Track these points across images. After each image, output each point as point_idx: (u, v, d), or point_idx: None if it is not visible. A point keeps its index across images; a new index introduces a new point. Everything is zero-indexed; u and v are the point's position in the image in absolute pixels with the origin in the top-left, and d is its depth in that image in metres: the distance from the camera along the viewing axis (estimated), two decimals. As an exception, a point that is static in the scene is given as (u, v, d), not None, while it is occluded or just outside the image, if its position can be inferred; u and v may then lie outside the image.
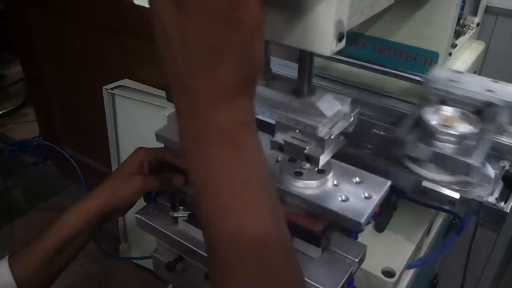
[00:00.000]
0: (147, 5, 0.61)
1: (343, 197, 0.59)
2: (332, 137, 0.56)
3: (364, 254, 0.74)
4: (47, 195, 2.46)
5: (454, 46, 0.94)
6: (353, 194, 0.60)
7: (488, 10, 1.11)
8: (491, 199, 0.68)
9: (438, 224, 1.08)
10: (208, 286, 0.74)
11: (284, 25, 0.49)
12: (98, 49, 1.82)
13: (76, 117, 2.17)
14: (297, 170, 0.63)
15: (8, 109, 3.01)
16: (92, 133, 2.08)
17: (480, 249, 1.50)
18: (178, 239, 0.74)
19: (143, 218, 0.79)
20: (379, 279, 0.88)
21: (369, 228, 0.95)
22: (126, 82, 1.80)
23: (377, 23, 0.94)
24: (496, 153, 0.78)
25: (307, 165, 0.62)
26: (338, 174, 0.63)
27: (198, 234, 0.75)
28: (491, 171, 0.75)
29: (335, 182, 0.62)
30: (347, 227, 0.61)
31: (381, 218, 0.94)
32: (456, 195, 0.70)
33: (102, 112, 1.83)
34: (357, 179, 0.63)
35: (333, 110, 0.56)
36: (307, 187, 0.61)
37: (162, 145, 0.85)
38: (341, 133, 0.59)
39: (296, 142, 0.58)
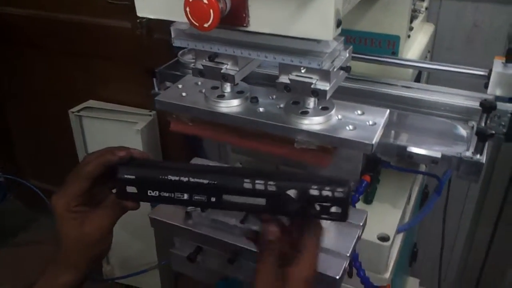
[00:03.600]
0: (152, 16, 0.67)
1: (351, 127, 0.67)
2: (335, 69, 0.63)
3: (366, 219, 0.82)
4: (16, 230, 2.40)
5: (411, 29, 1.05)
6: (358, 123, 0.67)
7: (433, -5, 1.24)
8: (468, 154, 0.78)
9: (416, 192, 1.19)
10: (231, 270, 0.80)
11: (289, 18, 0.56)
12: (59, 74, 1.83)
13: (41, 145, 2.14)
14: (303, 110, 0.69)
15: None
16: (59, 160, 2.05)
17: (452, 217, 1.63)
18: (197, 230, 0.79)
19: (157, 218, 0.83)
20: (376, 245, 0.97)
21: (359, 202, 1.04)
22: (91, 103, 1.82)
23: (340, 16, 1.03)
24: (463, 116, 0.89)
25: (311, 105, 0.69)
26: (340, 109, 0.70)
27: (214, 223, 0.80)
28: (462, 131, 0.85)
29: (339, 117, 0.69)
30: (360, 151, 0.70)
31: (369, 191, 1.03)
32: (438, 154, 0.80)
33: (69, 137, 1.82)
34: (359, 111, 0.70)
35: (331, 47, 0.62)
36: (315, 123, 0.67)
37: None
38: (342, 68, 0.65)
39: (302, 79, 0.64)
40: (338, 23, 0.56)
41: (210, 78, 0.69)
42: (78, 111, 1.78)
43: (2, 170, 2.38)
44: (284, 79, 0.65)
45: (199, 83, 0.79)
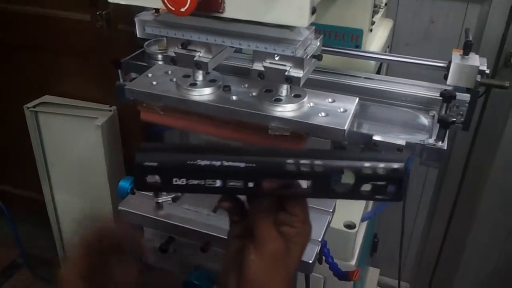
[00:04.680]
0: (122, 2, 0.66)
1: (323, 114, 0.68)
2: (308, 57, 0.64)
3: (335, 206, 0.85)
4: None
5: (373, 23, 1.08)
6: (330, 110, 0.70)
7: (392, -9, 1.29)
8: (431, 141, 0.82)
9: (378, 182, 1.22)
10: (204, 259, 0.80)
11: (264, 5, 0.57)
12: (13, 68, 1.76)
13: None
14: (276, 97, 0.70)
15: None
16: (14, 158, 1.98)
17: (410, 207, 1.69)
18: (168, 221, 0.79)
19: (127, 209, 0.82)
20: (343, 232, 1.00)
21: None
22: (47, 98, 1.76)
23: (305, 9, 1.05)
24: (423, 107, 0.93)
25: (284, 92, 0.70)
26: (312, 97, 0.72)
27: (185, 213, 0.80)
28: (424, 120, 0.89)
29: (311, 104, 0.71)
30: (332, 138, 0.68)
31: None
32: (403, 142, 0.83)
33: (24, 134, 1.76)
34: (330, 99, 0.72)
35: (304, 35, 0.63)
36: (288, 110, 0.69)
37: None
38: (314, 56, 0.67)
39: (276, 66, 0.65)
40: (313, 10, 0.57)
41: (183, 66, 0.69)
42: (34, 106, 1.71)
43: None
44: (258, 66, 0.66)
45: (170, 72, 0.78)
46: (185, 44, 0.67)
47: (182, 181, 0.51)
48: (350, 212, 1.04)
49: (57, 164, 1.84)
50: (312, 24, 1.05)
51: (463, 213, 1.66)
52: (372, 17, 1.11)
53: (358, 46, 1.04)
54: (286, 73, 0.64)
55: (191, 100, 0.71)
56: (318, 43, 0.68)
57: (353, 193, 0.51)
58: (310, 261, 0.72)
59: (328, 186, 0.51)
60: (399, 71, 1.21)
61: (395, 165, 0.50)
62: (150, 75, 0.78)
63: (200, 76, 0.73)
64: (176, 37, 0.67)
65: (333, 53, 0.98)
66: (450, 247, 1.77)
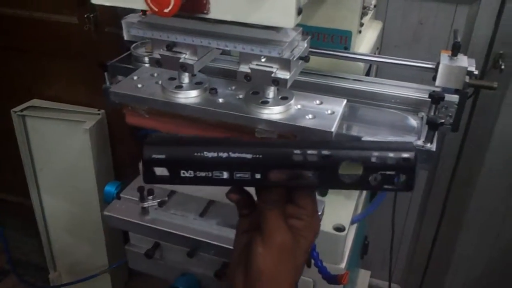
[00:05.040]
0: (107, 3, 0.65)
1: (310, 116, 0.68)
2: (295, 59, 0.64)
3: (324, 209, 0.84)
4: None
5: (361, 25, 1.08)
6: (317, 112, 0.69)
7: (381, -8, 1.29)
8: (420, 142, 0.81)
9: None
10: (191, 264, 0.78)
11: (250, 5, 0.56)
12: (0, 71, 1.73)
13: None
14: (263, 100, 0.69)
15: None
16: (1, 163, 1.96)
17: (399, 209, 1.69)
18: (154, 226, 0.78)
19: (113, 215, 0.81)
20: (332, 235, 0.99)
21: (314, 195, 1.05)
22: (35, 102, 1.74)
23: (293, 11, 1.04)
24: (412, 108, 0.93)
25: (271, 95, 0.69)
26: (299, 99, 0.71)
27: (171, 218, 0.79)
28: (413, 122, 0.89)
29: (298, 106, 0.70)
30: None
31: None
32: (391, 144, 0.82)
33: (11, 138, 1.74)
34: (317, 101, 0.71)
35: (290, 36, 0.63)
36: (275, 112, 0.68)
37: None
38: (301, 58, 0.66)
39: (262, 67, 0.64)
40: (299, 11, 0.57)
41: (168, 68, 0.68)
42: (21, 110, 1.69)
43: None
44: (244, 68, 0.65)
45: (155, 74, 0.77)
46: (170, 46, 0.66)
47: (190, 173, 0.51)
48: (339, 214, 1.03)
49: (45, 168, 1.83)
50: (300, 25, 1.04)
51: (452, 215, 1.66)
52: (361, 19, 1.11)
53: (347, 48, 1.04)
54: (272, 75, 0.63)
55: (176, 103, 0.70)
56: (306, 45, 0.67)
57: (361, 184, 0.51)
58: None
59: (336, 177, 0.50)
60: (389, 73, 1.21)
61: (406, 154, 0.49)
62: (135, 77, 0.77)
63: (186, 78, 0.72)
64: (161, 39, 0.66)
65: (322, 54, 0.98)
66: (440, 249, 1.78)
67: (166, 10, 0.54)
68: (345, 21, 1.01)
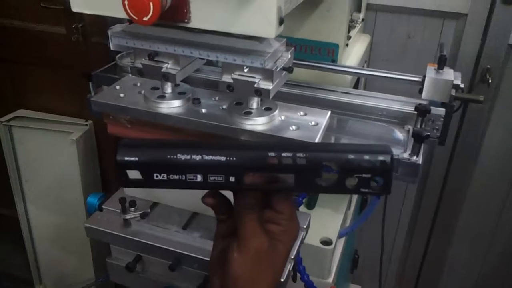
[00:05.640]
0: (87, 11, 0.64)
1: (294, 127, 0.67)
2: (278, 69, 0.63)
3: (309, 222, 0.83)
4: None
5: (349, 38, 1.08)
6: (301, 124, 0.68)
7: (369, 7, 1.29)
8: (405, 155, 0.81)
9: (356, 198, 1.21)
10: (173, 277, 0.77)
11: (231, 15, 0.56)
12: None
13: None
14: (246, 110, 0.68)
15: None
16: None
17: (390, 224, 1.68)
18: (136, 238, 0.76)
19: (93, 227, 0.79)
20: (319, 249, 0.97)
21: (301, 207, 1.04)
22: (22, 112, 1.72)
23: (281, 23, 1.04)
24: (399, 121, 0.93)
25: (254, 105, 0.68)
26: (283, 110, 0.70)
27: (153, 231, 0.77)
28: (399, 135, 0.88)
29: (282, 117, 0.69)
30: None
31: (311, 196, 1.03)
32: (377, 157, 0.81)
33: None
34: (301, 113, 0.70)
35: (273, 47, 0.62)
36: (258, 123, 0.67)
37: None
38: (285, 69, 0.66)
39: (245, 78, 0.63)
40: (281, 21, 0.56)
41: (150, 77, 0.67)
42: (8, 120, 1.68)
43: None
44: (227, 78, 0.64)
45: (138, 84, 0.76)
46: (152, 55, 0.65)
47: (163, 176, 0.50)
48: (326, 228, 1.02)
49: (31, 180, 1.80)
50: (287, 38, 1.05)
51: (443, 228, 1.66)
52: (348, 32, 1.11)
53: (334, 61, 1.04)
54: (255, 85, 0.63)
55: (158, 113, 0.69)
56: (289, 56, 0.67)
57: (338, 187, 0.50)
58: (282, 280, 0.70)
59: (312, 180, 0.49)
60: (377, 86, 1.21)
61: (382, 157, 0.48)
62: (118, 87, 0.76)
63: (169, 88, 0.71)
64: (143, 48, 0.65)
65: (308, 66, 0.98)
66: (431, 262, 1.76)
67: (145, 19, 0.53)
68: (332, 33, 1.02)
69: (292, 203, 0.54)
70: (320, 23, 1.01)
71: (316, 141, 0.64)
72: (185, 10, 0.56)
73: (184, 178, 0.50)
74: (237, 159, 0.49)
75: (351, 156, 0.48)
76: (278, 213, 0.52)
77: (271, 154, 0.49)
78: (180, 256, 0.74)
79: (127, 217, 0.78)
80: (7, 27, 1.51)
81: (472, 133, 1.41)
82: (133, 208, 0.79)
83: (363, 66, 1.24)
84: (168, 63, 0.66)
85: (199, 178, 0.50)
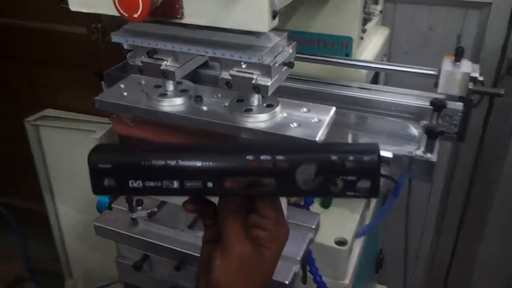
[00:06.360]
0: (84, 10, 0.64)
1: (295, 124, 0.64)
2: (277, 65, 0.61)
3: (319, 222, 0.80)
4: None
5: (364, 31, 1.04)
6: (303, 121, 0.65)
7: (388, -2, 1.25)
8: (419, 152, 0.77)
9: (376, 196, 1.18)
10: (179, 277, 0.76)
11: (223, 10, 0.54)
12: (11, 82, 1.77)
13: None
14: (247, 107, 0.66)
15: None
16: (16, 172, 1.99)
17: (415, 222, 1.63)
18: (142, 237, 0.76)
19: (102, 225, 0.80)
20: (333, 249, 0.95)
21: (316, 206, 1.02)
22: (49, 112, 1.76)
23: (293, 18, 1.02)
24: (415, 117, 0.89)
25: (255, 102, 0.66)
26: (285, 107, 0.68)
27: (160, 230, 0.77)
28: (414, 131, 0.85)
29: (284, 115, 0.67)
30: None
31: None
32: (390, 154, 0.78)
33: (26, 148, 1.76)
34: (304, 109, 0.68)
35: (272, 42, 0.60)
36: (259, 120, 0.65)
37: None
38: (285, 64, 0.63)
39: (243, 74, 0.62)
40: (274, 14, 0.54)
41: (150, 75, 0.67)
42: (35, 120, 1.72)
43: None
44: (225, 75, 0.63)
45: (143, 82, 0.76)
46: (150, 53, 0.65)
47: (138, 183, 0.48)
48: (342, 228, 0.99)
49: (59, 177, 1.84)
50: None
51: (471, 227, 1.59)
52: (364, 24, 1.07)
53: (348, 55, 1.00)
54: (253, 82, 0.61)
55: (159, 111, 0.69)
56: (291, 50, 0.65)
57: (321, 190, 0.47)
58: (287, 282, 0.68)
59: (293, 183, 0.47)
60: (398, 81, 1.17)
61: (367, 157, 0.45)
62: (122, 85, 0.76)
63: (170, 86, 0.70)
64: (142, 45, 0.64)
65: (317, 61, 0.95)
66: (459, 262, 1.70)
67: (135, 15, 0.53)
68: (345, 27, 0.98)
69: (278, 207, 0.52)
70: (333, 16, 0.98)
71: (317, 138, 0.61)
72: (177, 6, 0.55)
73: (160, 184, 0.48)
74: (213, 164, 0.47)
75: (333, 157, 0.46)
76: (264, 218, 0.50)
77: (249, 157, 0.46)
78: (185, 256, 0.74)
79: (134, 216, 0.78)
80: (29, 28, 1.55)
81: (499, 129, 1.34)
82: (140, 207, 0.79)
83: (382, 60, 1.20)
84: (167, 61, 0.65)
85: (175, 184, 0.47)
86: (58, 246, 1.98)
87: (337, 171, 0.46)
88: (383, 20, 1.25)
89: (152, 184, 0.48)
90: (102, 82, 0.95)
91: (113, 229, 0.79)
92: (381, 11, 1.18)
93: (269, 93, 0.61)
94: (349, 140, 0.83)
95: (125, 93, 0.73)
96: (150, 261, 0.79)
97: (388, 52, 1.29)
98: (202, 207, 0.53)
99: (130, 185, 0.48)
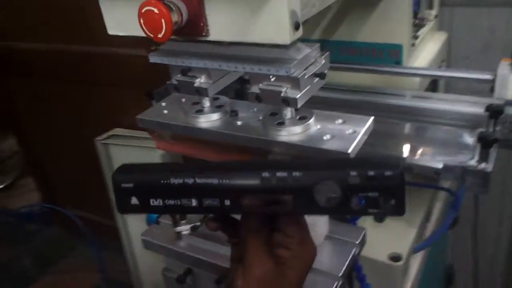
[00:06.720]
0: (121, 33, 0.67)
1: (328, 137, 0.62)
2: (306, 76, 0.59)
3: (365, 237, 0.77)
4: (56, 259, 2.47)
5: (416, 37, 1.00)
6: (337, 133, 0.63)
7: (445, 2, 1.19)
8: (473, 162, 0.72)
9: (437, 209, 1.11)
10: (219, 290, 0.76)
11: (246, 24, 0.54)
12: (81, 104, 1.89)
13: (72, 175, 2.21)
14: (279, 121, 0.65)
15: (6, 183, 3.04)
16: (89, 187, 2.11)
17: (487, 236, 1.52)
18: (184, 251, 0.77)
19: (149, 239, 0.82)
20: (387, 265, 0.90)
21: (370, 221, 0.98)
22: (117, 131, 1.86)
23: (340, 28, 1.00)
24: (471, 125, 0.83)
25: (288, 115, 0.65)
26: (320, 119, 0.66)
27: (203, 244, 0.78)
28: (468, 139, 0.79)
29: (318, 127, 0.65)
30: None
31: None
32: (440, 165, 0.74)
33: (97, 164, 1.86)
34: (340, 120, 0.65)
35: (302, 54, 0.59)
36: (291, 133, 0.63)
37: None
38: (317, 75, 0.62)
39: (271, 87, 0.61)
40: (297, 26, 0.53)
41: (185, 92, 0.68)
42: (104, 139, 1.82)
43: (44, 200, 2.47)
44: (255, 89, 0.63)
45: (183, 100, 0.78)
46: (184, 71, 0.66)
47: (159, 202, 0.49)
48: (397, 243, 0.94)
49: (128, 192, 1.93)
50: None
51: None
52: (417, 31, 1.03)
53: (398, 63, 0.97)
54: (282, 94, 0.60)
55: (196, 127, 0.70)
56: (323, 61, 0.63)
57: (342, 208, 0.45)
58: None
59: (311, 201, 0.45)
60: (459, 87, 1.11)
61: (388, 172, 0.43)
62: (164, 104, 0.78)
63: (206, 102, 0.71)
64: (177, 64, 0.66)
65: (364, 70, 0.93)
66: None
67: (159, 36, 0.54)
68: (394, 34, 0.95)
69: (303, 225, 0.50)
70: (381, 24, 0.95)
71: (349, 151, 0.59)
72: (202, 24, 0.56)
73: (179, 203, 0.48)
74: (229, 181, 0.46)
75: (352, 173, 0.43)
76: (288, 237, 0.49)
77: (265, 174, 0.45)
78: (226, 270, 0.74)
79: (178, 229, 0.79)
80: (96, 53, 1.65)
81: None
82: (183, 221, 0.80)
83: (440, 66, 1.14)
84: (201, 78, 0.66)
85: (194, 202, 0.48)
86: (128, 258, 2.06)
87: (357, 187, 0.44)
88: (440, 24, 1.19)
89: (172, 202, 0.49)
90: (152, 101, 0.98)
91: (158, 243, 0.80)
92: (436, 16, 1.13)
93: (299, 106, 0.60)
94: (396, 151, 0.80)
95: (165, 111, 0.75)
96: (193, 274, 0.80)
97: (447, 58, 1.23)
98: (226, 225, 0.52)
99: (151, 203, 0.49)
